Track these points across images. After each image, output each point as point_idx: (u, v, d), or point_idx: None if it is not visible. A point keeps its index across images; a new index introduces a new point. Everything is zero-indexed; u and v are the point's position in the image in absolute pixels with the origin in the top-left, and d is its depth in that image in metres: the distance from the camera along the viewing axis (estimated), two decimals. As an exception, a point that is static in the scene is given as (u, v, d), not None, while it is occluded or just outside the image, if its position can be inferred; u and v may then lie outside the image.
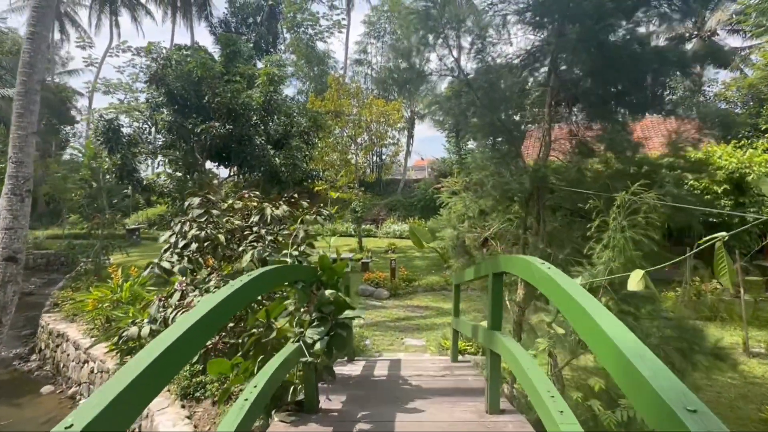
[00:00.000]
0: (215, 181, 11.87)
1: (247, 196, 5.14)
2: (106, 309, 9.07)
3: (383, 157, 37.94)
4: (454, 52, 4.76)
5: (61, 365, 9.25)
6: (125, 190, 12.29)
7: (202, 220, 4.71)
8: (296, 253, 3.51)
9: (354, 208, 19.56)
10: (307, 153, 11.61)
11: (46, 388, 8.81)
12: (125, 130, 9.86)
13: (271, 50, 38.67)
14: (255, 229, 4.84)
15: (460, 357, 4.87)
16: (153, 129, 10.22)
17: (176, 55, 9.75)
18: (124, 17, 39.58)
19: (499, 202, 4.40)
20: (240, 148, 10.45)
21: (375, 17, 36.70)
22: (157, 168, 11.75)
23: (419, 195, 34.11)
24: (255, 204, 5.36)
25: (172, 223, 4.78)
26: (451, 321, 4.67)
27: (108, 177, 10.39)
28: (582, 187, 4.08)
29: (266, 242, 4.49)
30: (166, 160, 11.24)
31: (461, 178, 5.52)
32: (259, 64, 12.60)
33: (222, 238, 4.61)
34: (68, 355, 9.01)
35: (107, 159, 10.25)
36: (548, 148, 4.62)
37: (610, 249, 3.34)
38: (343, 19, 37.89)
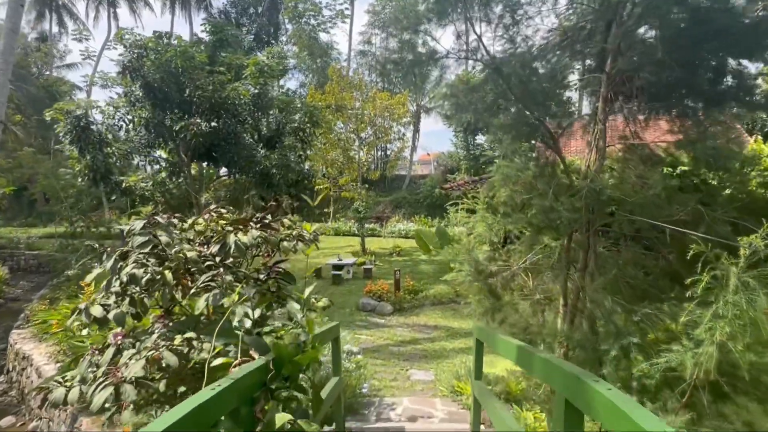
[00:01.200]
0: (211, 181, 10.77)
1: (207, 216, 4.01)
2: (75, 329, 8.05)
3: (388, 152, 36.73)
4: (477, 28, 3.59)
5: (26, 392, 8.27)
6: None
7: (146, 250, 3.61)
8: (243, 327, 2.39)
9: (357, 207, 18.46)
10: (302, 152, 10.46)
11: (7, 420, 7.84)
12: (101, 128, 8.79)
13: (273, 42, 37.41)
14: (218, 260, 3.74)
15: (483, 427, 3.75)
16: (130, 126, 9.14)
17: (152, 42, 8.63)
18: (123, 9, 38.48)
19: (537, 228, 3.26)
20: (226, 147, 9.36)
21: (380, 6, 35.32)
22: (137, 172, 10.73)
23: (425, 192, 32.89)
24: (224, 224, 4.26)
25: (105, 256, 3.66)
26: (471, 385, 3.55)
27: (80, 180, 9.38)
28: (659, 213, 2.92)
29: (224, 284, 3.37)
30: (146, 161, 10.18)
31: (483, 193, 4.36)
32: (261, 56, 11.51)
33: (169, 276, 3.50)
34: (32, 381, 8.01)
35: (81, 160, 9.22)
36: (603, 155, 3.45)
37: (726, 321, 2.18)
38: (347, 8, 36.54)
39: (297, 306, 2.88)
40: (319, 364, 5.21)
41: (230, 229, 3.88)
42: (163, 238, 3.79)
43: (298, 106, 10.49)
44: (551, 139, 3.43)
